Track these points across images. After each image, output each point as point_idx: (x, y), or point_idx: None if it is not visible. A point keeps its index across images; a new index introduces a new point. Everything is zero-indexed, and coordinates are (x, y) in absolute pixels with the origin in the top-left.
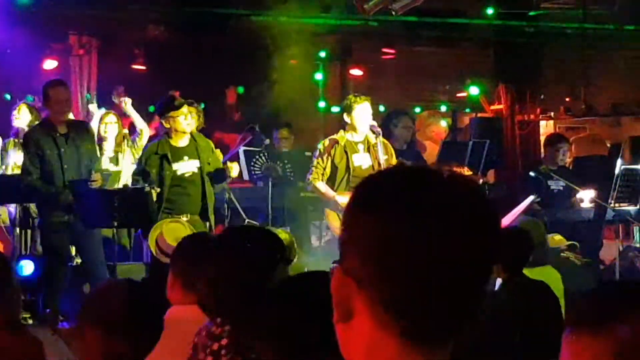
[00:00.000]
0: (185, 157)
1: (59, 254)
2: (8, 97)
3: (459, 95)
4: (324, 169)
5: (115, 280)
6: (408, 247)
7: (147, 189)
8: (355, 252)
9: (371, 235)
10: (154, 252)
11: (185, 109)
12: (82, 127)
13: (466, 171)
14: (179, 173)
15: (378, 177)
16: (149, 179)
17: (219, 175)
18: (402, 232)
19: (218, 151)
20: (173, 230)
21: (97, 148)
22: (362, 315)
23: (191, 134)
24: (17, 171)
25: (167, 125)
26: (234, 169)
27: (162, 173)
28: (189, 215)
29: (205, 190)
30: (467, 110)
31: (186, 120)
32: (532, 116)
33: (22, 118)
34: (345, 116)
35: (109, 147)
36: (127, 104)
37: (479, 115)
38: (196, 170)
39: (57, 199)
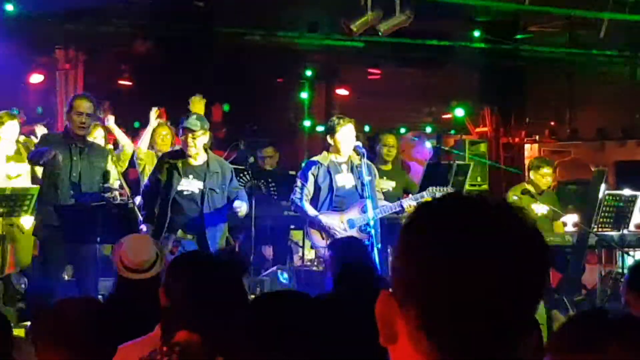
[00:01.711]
0: (191, 176)
1: (53, 268)
2: None
3: (444, 117)
4: (308, 189)
5: (69, 299)
6: (451, 275)
7: (131, 204)
8: (400, 276)
9: (416, 260)
10: (117, 268)
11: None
12: (100, 149)
13: (450, 191)
14: (179, 189)
15: (430, 205)
16: (158, 185)
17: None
18: (445, 257)
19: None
20: (136, 244)
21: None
22: (404, 338)
23: (208, 155)
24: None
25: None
26: (242, 210)
27: (171, 181)
28: (187, 236)
29: (203, 214)
30: (452, 132)
31: (192, 142)
32: (517, 139)
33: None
34: (328, 138)
35: None
36: (109, 120)
37: (464, 137)
38: (197, 192)
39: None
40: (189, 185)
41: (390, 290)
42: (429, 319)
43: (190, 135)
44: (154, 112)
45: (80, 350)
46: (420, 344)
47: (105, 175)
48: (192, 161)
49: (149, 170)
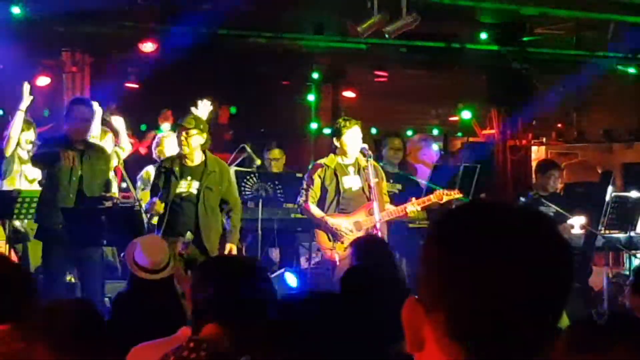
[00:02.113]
0: (189, 177)
1: (54, 270)
2: (0, 112)
3: (451, 119)
4: (314, 191)
5: (62, 300)
6: (476, 280)
7: (137, 207)
8: (427, 282)
9: (442, 267)
10: (131, 268)
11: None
12: (98, 149)
13: (457, 194)
14: (178, 191)
15: (453, 212)
16: (159, 192)
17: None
18: (471, 264)
19: (234, 183)
20: (150, 243)
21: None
22: (432, 344)
23: (205, 155)
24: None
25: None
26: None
27: (168, 185)
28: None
29: (198, 214)
30: (459, 134)
31: (186, 141)
32: (524, 141)
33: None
34: (334, 140)
35: None
36: (116, 120)
37: (471, 139)
38: (194, 192)
39: (57, 212)
40: (187, 186)
41: (416, 296)
42: (458, 325)
43: (184, 133)
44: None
45: (69, 351)
46: (448, 350)
47: (108, 183)
48: (188, 162)
49: None
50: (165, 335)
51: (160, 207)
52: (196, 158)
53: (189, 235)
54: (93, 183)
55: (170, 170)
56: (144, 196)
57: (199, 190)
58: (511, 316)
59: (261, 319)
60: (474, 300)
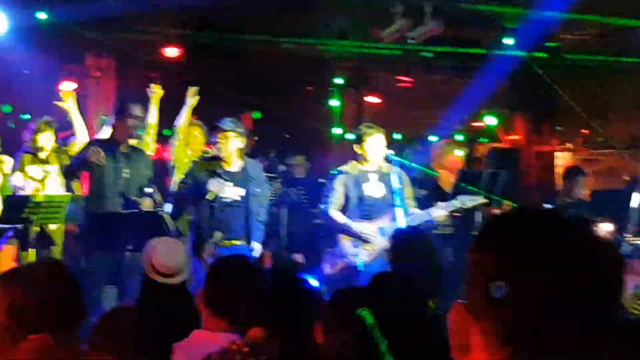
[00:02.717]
0: (231, 183)
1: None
2: (26, 116)
3: (475, 124)
4: (337, 197)
5: (123, 306)
6: (529, 288)
7: (161, 212)
8: (476, 288)
9: (493, 273)
10: (147, 272)
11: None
12: (142, 153)
13: (482, 199)
14: (220, 195)
15: (503, 217)
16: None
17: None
18: (523, 271)
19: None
20: (167, 247)
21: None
22: (479, 350)
23: (245, 161)
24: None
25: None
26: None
27: (209, 188)
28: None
29: (248, 218)
30: (484, 140)
31: (224, 143)
32: (548, 147)
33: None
34: (356, 147)
35: None
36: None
37: (496, 145)
38: (238, 198)
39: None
40: (229, 192)
41: (464, 302)
42: (510, 333)
43: (221, 135)
44: (191, 91)
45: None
46: (498, 358)
47: (149, 182)
48: (228, 167)
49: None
50: (178, 339)
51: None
52: (235, 163)
53: (218, 235)
54: (135, 185)
55: (212, 172)
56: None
57: (242, 197)
58: (567, 322)
59: (306, 323)
60: (527, 307)
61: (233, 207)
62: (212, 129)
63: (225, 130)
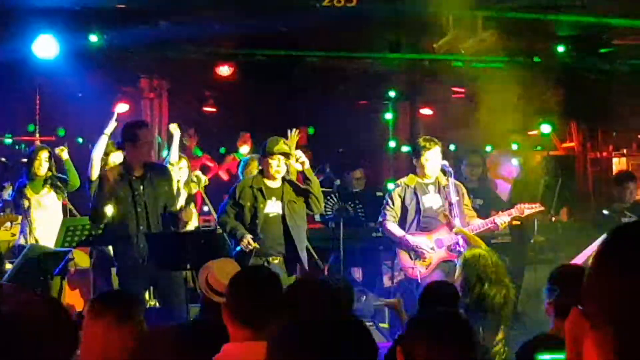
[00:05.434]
0: (273, 198)
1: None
2: (80, 140)
3: (530, 133)
4: (395, 210)
5: (160, 328)
6: None
7: (219, 230)
8: (595, 297)
9: (616, 284)
10: (204, 291)
11: (277, 156)
12: (160, 169)
13: (539, 207)
14: (265, 211)
15: (628, 228)
16: (241, 212)
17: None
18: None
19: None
20: (222, 266)
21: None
22: (592, 357)
23: (283, 178)
24: None
25: (262, 166)
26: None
27: (255, 205)
28: (278, 258)
29: (290, 233)
30: (539, 148)
31: (278, 167)
32: (604, 153)
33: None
34: (414, 160)
35: (182, 191)
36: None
37: (551, 153)
38: (280, 212)
39: (129, 242)
40: (273, 207)
41: (583, 308)
42: (629, 343)
43: (283, 158)
44: (171, 127)
45: None
46: None
47: (168, 202)
48: (270, 184)
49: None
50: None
51: (254, 243)
52: (277, 181)
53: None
54: (157, 206)
55: (258, 189)
56: None
57: (284, 212)
58: None
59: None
60: None
61: (276, 222)
62: (267, 153)
63: (289, 154)
